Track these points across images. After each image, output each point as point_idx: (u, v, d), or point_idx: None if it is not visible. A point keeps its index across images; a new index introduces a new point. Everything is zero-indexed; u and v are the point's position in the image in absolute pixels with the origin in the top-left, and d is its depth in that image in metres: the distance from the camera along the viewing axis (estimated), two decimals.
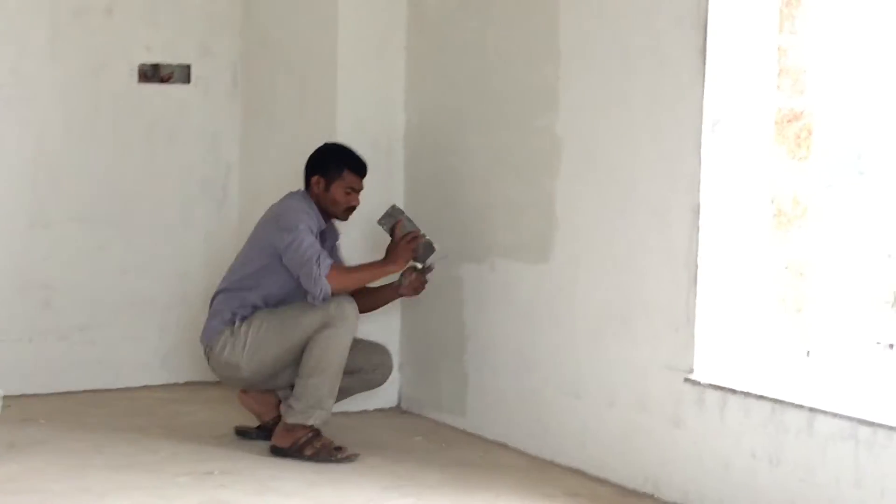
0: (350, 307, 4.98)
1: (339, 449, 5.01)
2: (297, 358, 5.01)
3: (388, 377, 5.47)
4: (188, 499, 4.44)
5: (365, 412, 5.83)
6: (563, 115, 4.98)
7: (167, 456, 5.00)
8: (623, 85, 4.69)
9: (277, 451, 5.02)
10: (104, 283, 6.08)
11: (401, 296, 5.33)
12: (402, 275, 5.22)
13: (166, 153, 6.43)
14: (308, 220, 5.09)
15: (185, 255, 6.44)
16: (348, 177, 5.18)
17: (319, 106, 6.02)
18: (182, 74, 6.47)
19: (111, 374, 6.31)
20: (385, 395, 5.92)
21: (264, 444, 5.13)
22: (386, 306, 5.50)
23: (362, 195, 5.24)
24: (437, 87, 5.81)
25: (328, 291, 4.94)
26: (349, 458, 4.99)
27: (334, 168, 5.17)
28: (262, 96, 6.50)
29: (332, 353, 4.95)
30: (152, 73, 6.40)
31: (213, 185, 6.47)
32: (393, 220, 5.15)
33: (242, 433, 5.35)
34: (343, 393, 5.20)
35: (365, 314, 5.27)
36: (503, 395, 5.35)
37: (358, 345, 5.18)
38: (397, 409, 5.99)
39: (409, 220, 5.16)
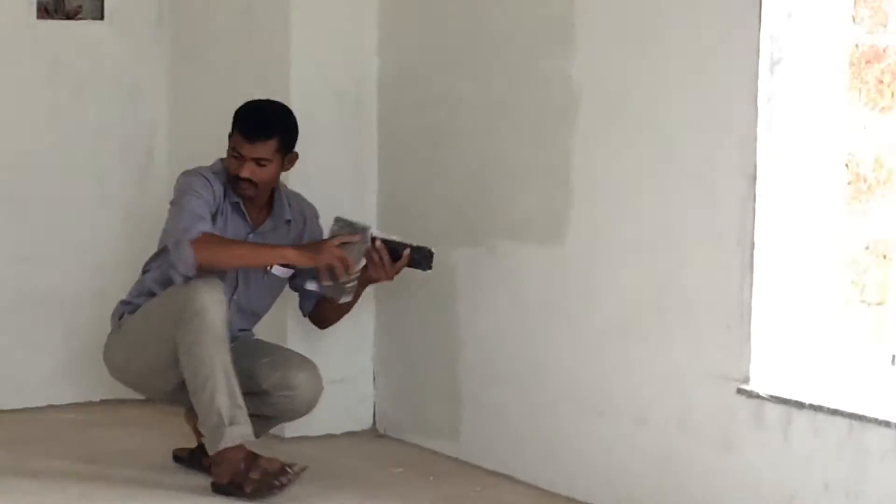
0: (207, 292, 4.95)
1: (283, 470, 5.00)
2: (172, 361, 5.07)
3: (311, 403, 5.34)
4: None
5: (331, 437, 5.87)
6: (581, 55, 4.98)
7: (77, 495, 4.99)
8: (658, 15, 4.68)
9: (219, 490, 5.04)
10: None
11: (371, 280, 5.27)
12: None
13: (74, 109, 6.46)
14: (202, 189, 5.15)
15: (99, 238, 6.46)
16: (235, 138, 5.18)
17: (268, 47, 6.07)
18: (93, 8, 6.50)
19: (5, 392, 6.30)
20: (357, 415, 5.98)
21: (205, 477, 5.17)
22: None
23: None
24: (419, 22, 5.84)
25: (190, 263, 4.97)
26: (297, 475, 4.99)
27: (231, 128, 5.22)
28: (196, 36, 6.55)
29: (198, 358, 4.94)
30: (55, 7, 6.42)
31: (135, 148, 6.48)
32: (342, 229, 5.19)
33: (180, 459, 5.40)
34: (260, 422, 5.22)
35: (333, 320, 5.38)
36: (506, 413, 5.37)
37: (265, 356, 5.24)
38: (372, 432, 6.03)
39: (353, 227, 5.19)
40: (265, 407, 5.23)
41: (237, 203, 5.22)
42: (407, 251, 5.05)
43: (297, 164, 5.66)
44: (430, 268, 5.21)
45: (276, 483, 4.94)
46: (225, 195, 5.20)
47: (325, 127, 5.94)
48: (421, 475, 5.41)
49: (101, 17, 6.45)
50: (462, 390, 5.57)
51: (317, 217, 5.49)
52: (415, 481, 5.33)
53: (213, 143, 5.60)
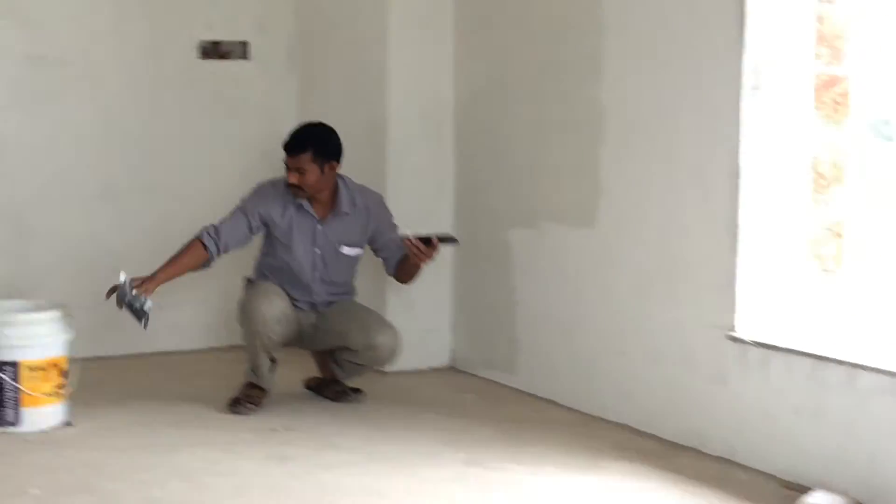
0: (260, 298, 5.09)
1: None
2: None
3: (390, 359, 5.29)
4: (255, 453, 4.49)
5: (420, 371, 5.84)
6: (607, 84, 4.93)
7: (238, 429, 4.94)
8: (664, 53, 4.65)
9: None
10: (169, 250, 6.09)
11: (417, 264, 5.15)
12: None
13: (227, 126, 6.44)
14: (250, 200, 5.20)
15: None
16: (284, 155, 5.15)
17: (371, 80, 6.00)
18: (241, 51, 6.47)
19: (178, 337, 6.33)
20: (438, 355, 5.94)
21: (328, 403, 5.28)
22: (423, 273, 5.35)
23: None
24: (485, 59, 5.76)
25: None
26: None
27: None
28: (317, 71, 6.49)
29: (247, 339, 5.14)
30: (212, 50, 6.40)
31: (272, 157, 6.45)
32: None
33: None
34: (357, 368, 5.27)
35: (409, 280, 5.33)
36: (552, 354, 5.33)
37: (355, 321, 5.18)
38: (450, 369, 5.98)
39: None
40: (357, 359, 5.20)
41: (301, 204, 5.16)
42: (434, 238, 5.02)
43: (393, 169, 5.69)
44: (456, 241, 5.27)
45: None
46: (284, 196, 5.17)
47: (414, 140, 5.92)
48: (486, 400, 5.41)
49: (247, 58, 6.46)
50: (518, 336, 5.53)
51: (382, 203, 5.37)
52: (482, 404, 5.32)
53: None
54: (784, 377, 4.15)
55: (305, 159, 5.07)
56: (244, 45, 6.47)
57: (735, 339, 4.33)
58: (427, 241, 5.00)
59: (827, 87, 4.42)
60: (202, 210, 6.00)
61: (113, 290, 4.87)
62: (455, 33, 5.91)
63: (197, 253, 5.10)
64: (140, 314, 4.88)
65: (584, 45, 5.06)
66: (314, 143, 5.10)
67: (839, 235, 4.48)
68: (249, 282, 5.30)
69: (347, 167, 5.38)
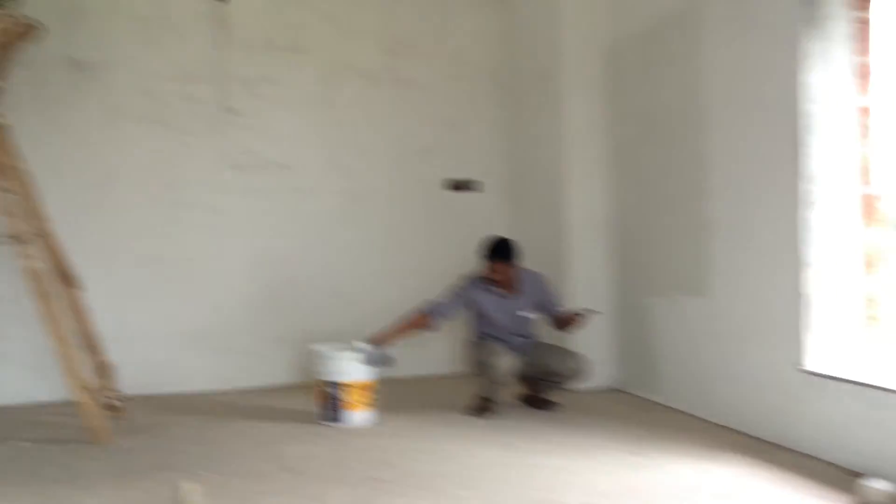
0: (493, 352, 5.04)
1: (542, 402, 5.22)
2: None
3: (582, 377, 5.18)
4: (492, 442, 4.46)
5: (592, 390, 5.69)
6: (712, 203, 4.86)
7: (479, 428, 4.85)
8: (753, 182, 4.54)
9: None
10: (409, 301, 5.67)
11: (570, 327, 5.18)
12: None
13: (457, 232, 6.41)
14: (461, 287, 5.14)
15: (430, 260, 6.38)
16: (489, 261, 5.08)
17: (555, 202, 5.99)
18: (475, 185, 6.57)
19: (427, 364, 6.30)
20: (605, 379, 5.79)
21: (535, 411, 5.25)
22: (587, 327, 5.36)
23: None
24: (632, 187, 5.70)
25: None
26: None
27: (487, 255, 5.13)
28: (522, 196, 6.52)
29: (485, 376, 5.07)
30: (456, 185, 6.54)
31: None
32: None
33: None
34: (555, 385, 5.21)
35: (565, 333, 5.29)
36: (684, 379, 5.20)
37: (552, 352, 5.16)
38: (614, 389, 5.81)
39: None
40: (557, 378, 5.20)
41: (494, 289, 5.15)
42: (584, 311, 5.09)
43: (568, 260, 5.66)
44: (600, 313, 5.28)
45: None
46: (482, 284, 5.15)
47: (582, 241, 5.86)
48: (639, 410, 5.26)
49: (479, 190, 6.45)
50: (659, 367, 5.43)
51: (545, 282, 5.26)
52: (636, 413, 5.18)
53: (530, 251, 5.57)
54: (848, 399, 4.00)
55: (507, 265, 5.11)
56: (477, 182, 6.56)
57: (811, 373, 4.20)
58: (578, 313, 5.13)
59: (867, 201, 4.28)
60: (431, 287, 5.97)
61: (366, 357, 4.87)
62: (612, 169, 5.86)
63: (420, 321, 5.08)
64: (386, 361, 4.94)
65: (694, 179, 4.97)
66: (513, 254, 5.14)
67: (881, 300, 4.29)
68: (472, 342, 5.26)
69: (538, 259, 5.42)
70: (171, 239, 5.91)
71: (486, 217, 6.53)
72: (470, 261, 6.08)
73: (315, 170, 6.20)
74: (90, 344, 5.09)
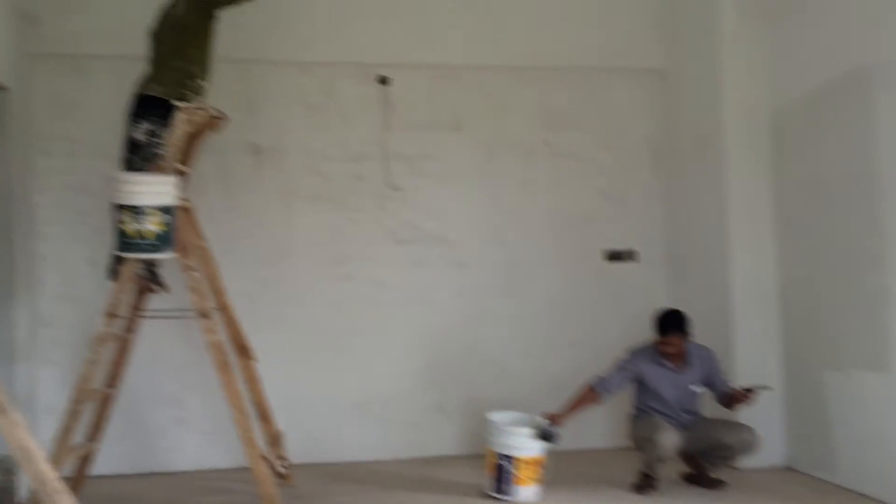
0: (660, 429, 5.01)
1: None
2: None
3: (754, 450, 5.08)
4: None
5: (760, 469, 5.51)
6: (890, 272, 4.72)
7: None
8: None
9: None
10: (576, 383, 5.52)
11: (738, 403, 5.10)
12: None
13: (618, 304, 6.38)
14: (628, 360, 5.14)
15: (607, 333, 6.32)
16: (662, 335, 5.11)
17: (716, 274, 5.88)
18: (632, 256, 6.52)
19: (588, 437, 6.20)
20: (773, 457, 5.60)
21: (699, 489, 5.16)
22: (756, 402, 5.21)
23: None
24: (797, 257, 5.56)
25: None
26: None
27: (658, 329, 5.18)
28: (683, 266, 6.42)
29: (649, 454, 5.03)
30: (613, 255, 6.50)
31: (646, 325, 6.38)
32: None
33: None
34: (714, 463, 5.11)
35: (732, 410, 5.20)
36: (870, 459, 4.99)
37: (722, 426, 5.07)
38: (786, 468, 5.61)
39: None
40: (728, 452, 5.08)
41: (663, 362, 5.14)
42: (754, 388, 4.99)
43: (739, 325, 5.55)
44: (770, 388, 5.14)
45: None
46: (651, 357, 5.14)
47: (747, 315, 5.71)
48: (813, 491, 5.09)
49: (636, 260, 6.47)
50: (834, 447, 5.22)
51: (714, 356, 5.24)
52: (809, 495, 5.02)
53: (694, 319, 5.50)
54: None
55: (678, 338, 5.10)
56: (634, 252, 6.52)
57: None
58: (748, 389, 4.99)
59: None
60: (593, 359, 6.00)
61: (541, 433, 4.94)
62: (779, 238, 5.71)
63: (591, 396, 5.10)
64: (557, 438, 4.98)
65: (870, 247, 4.85)
66: (684, 326, 5.12)
67: None
68: (637, 417, 5.22)
69: (701, 331, 5.33)
70: (338, 311, 6.10)
71: (646, 288, 6.46)
72: (631, 332, 6.11)
73: (475, 242, 6.32)
74: (263, 413, 5.32)
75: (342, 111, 6.18)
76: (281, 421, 5.51)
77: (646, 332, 5.54)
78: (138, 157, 4.77)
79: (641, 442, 5.07)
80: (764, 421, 5.55)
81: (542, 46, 6.32)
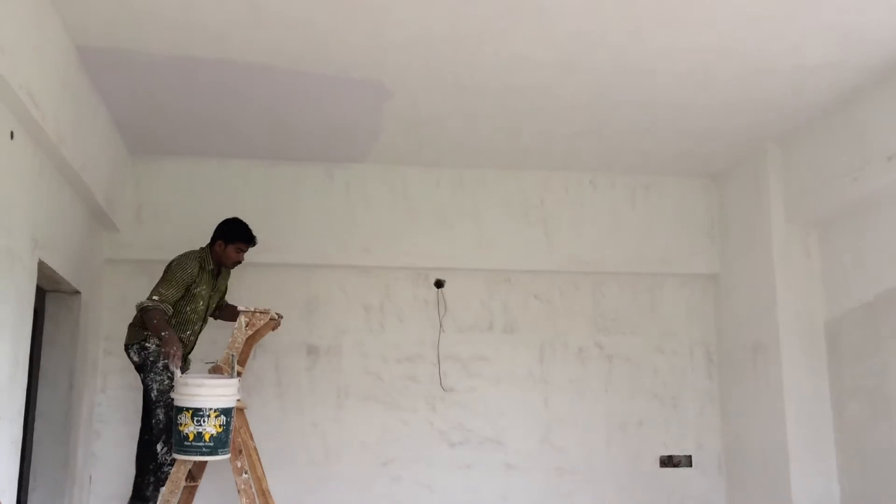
0: None
1: None
2: None
3: None
4: None
5: None
6: None
7: None
8: None
9: None
10: None
11: None
12: None
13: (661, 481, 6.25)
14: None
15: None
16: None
17: (776, 483, 5.66)
18: (687, 461, 6.41)
19: None
20: None
21: None
22: None
23: None
24: (859, 468, 5.35)
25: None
26: None
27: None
28: (738, 474, 6.24)
29: None
30: (667, 461, 6.38)
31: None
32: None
33: None
34: None
35: None
36: None
37: None
38: None
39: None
40: None
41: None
42: None
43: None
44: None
45: None
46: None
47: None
48: None
49: (691, 466, 6.32)
50: None
51: None
52: None
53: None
54: None
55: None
56: (689, 457, 6.41)
57: None
58: None
59: None
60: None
61: None
62: (839, 447, 5.54)
63: None
64: None
65: None
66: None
67: None
68: None
69: None
70: None
71: (701, 494, 6.33)
72: None
73: (526, 445, 6.25)
74: None
75: (399, 312, 6.29)
76: None
77: None
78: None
79: None
80: None
81: (593, 253, 6.44)
